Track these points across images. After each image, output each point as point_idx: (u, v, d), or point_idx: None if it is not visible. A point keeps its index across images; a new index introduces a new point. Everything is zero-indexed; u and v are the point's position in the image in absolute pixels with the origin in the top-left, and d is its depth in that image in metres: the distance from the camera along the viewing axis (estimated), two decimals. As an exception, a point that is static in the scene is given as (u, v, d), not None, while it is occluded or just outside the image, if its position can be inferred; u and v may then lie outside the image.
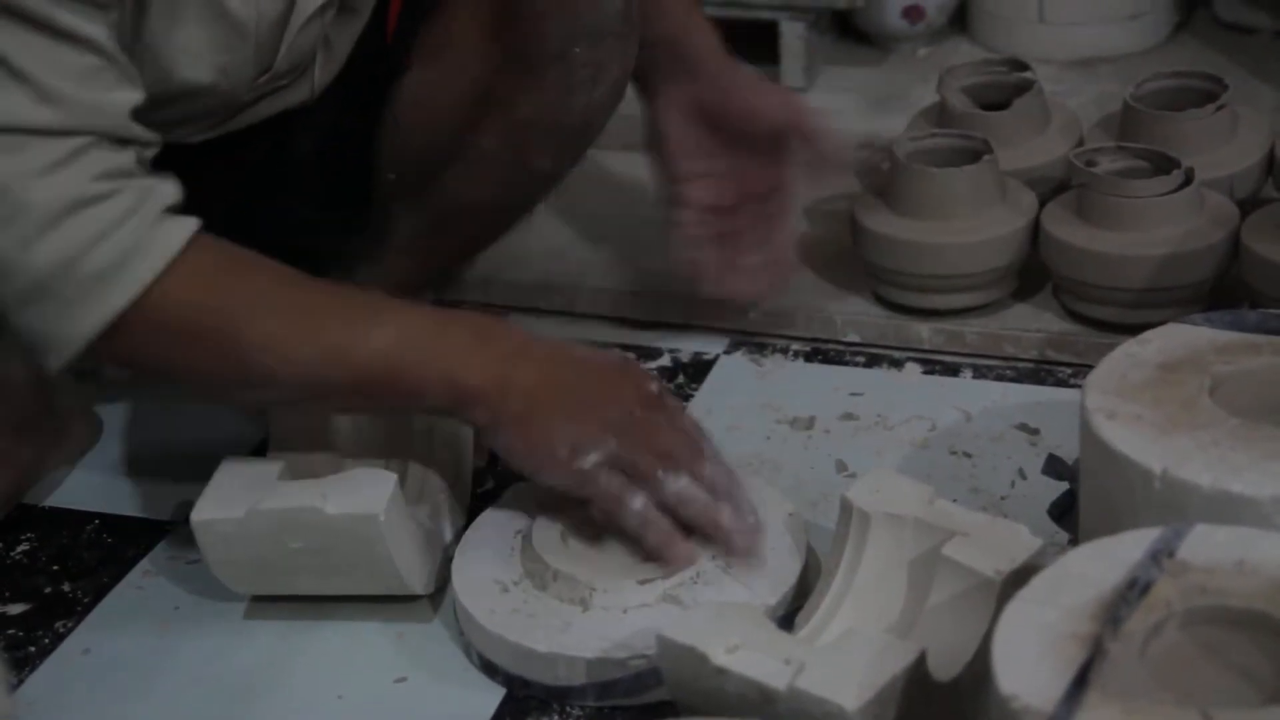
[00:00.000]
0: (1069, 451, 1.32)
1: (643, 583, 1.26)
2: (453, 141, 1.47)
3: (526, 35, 1.40)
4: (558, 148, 1.49)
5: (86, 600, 1.38)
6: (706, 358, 1.65)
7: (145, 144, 1.24)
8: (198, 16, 1.26)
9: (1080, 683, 0.95)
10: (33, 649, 1.34)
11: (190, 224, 1.23)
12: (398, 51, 1.48)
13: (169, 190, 1.24)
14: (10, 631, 1.35)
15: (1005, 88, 1.77)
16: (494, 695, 1.27)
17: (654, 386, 1.30)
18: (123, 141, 1.21)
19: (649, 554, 1.27)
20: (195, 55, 1.28)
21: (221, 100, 1.34)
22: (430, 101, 1.48)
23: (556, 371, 1.28)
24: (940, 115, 1.77)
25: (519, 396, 1.26)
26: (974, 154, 1.64)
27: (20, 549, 1.45)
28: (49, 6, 1.15)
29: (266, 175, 1.52)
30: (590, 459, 1.26)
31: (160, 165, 1.43)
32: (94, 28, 1.17)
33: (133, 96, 1.21)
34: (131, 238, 1.20)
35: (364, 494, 1.28)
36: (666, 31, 1.52)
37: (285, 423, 1.40)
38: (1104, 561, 1.04)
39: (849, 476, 1.46)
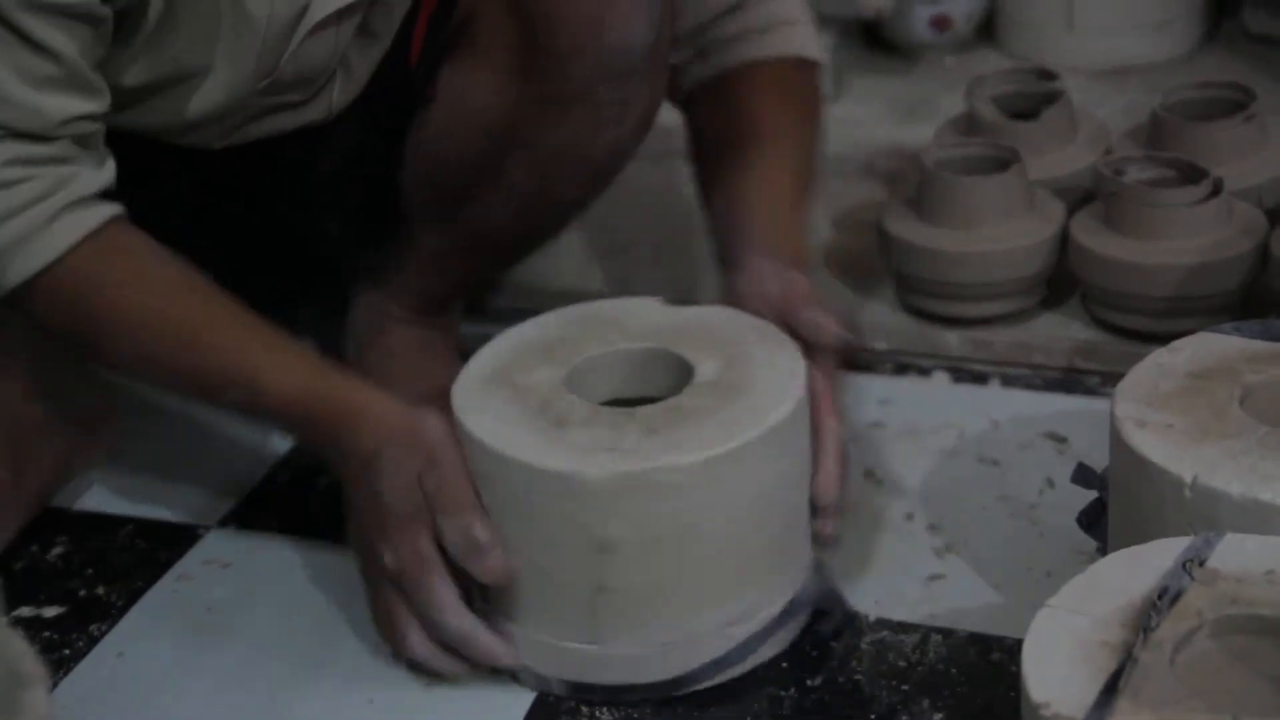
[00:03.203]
0: (1097, 460, 1.32)
1: None
2: (477, 172, 1.47)
3: (550, 76, 1.39)
4: (584, 181, 1.48)
5: (121, 604, 1.39)
6: (735, 365, 1.65)
7: (85, 142, 1.26)
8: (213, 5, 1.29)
9: (1111, 690, 0.96)
10: (67, 652, 1.35)
11: (98, 215, 1.26)
12: (421, 80, 1.48)
13: (92, 179, 1.26)
14: (45, 634, 1.36)
15: (1033, 97, 1.77)
16: (524, 700, 1.27)
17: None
18: (44, 139, 1.24)
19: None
20: (201, 39, 1.30)
21: (225, 96, 1.34)
22: (454, 135, 1.47)
23: (360, 495, 1.27)
24: (968, 124, 1.77)
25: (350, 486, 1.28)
26: (1002, 163, 1.65)
27: (55, 552, 1.46)
28: (26, 16, 1.19)
29: (291, 189, 1.52)
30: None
31: (189, 173, 1.44)
32: (64, 41, 1.21)
33: (82, 106, 1.24)
34: (26, 226, 1.23)
35: None
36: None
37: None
38: (1134, 570, 1.05)
39: (877, 484, 1.47)
